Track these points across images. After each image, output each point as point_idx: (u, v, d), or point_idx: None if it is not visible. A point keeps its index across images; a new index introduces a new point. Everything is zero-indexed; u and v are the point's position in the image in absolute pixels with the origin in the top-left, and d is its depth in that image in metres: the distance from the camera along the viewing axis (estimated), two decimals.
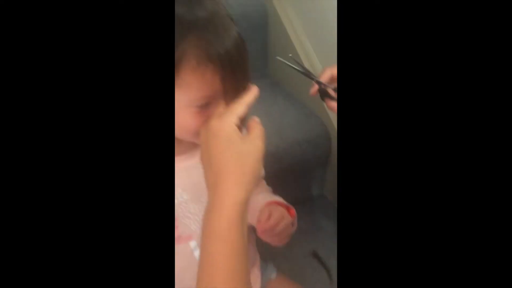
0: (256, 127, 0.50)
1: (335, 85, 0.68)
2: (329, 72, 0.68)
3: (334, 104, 0.69)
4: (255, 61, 1.26)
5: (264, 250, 0.78)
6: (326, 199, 1.20)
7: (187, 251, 0.60)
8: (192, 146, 0.57)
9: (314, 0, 1.04)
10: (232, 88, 0.49)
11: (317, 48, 1.09)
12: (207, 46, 0.47)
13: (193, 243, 0.61)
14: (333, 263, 0.97)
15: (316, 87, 0.69)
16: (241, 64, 0.49)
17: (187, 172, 0.58)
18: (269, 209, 0.61)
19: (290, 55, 0.74)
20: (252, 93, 0.50)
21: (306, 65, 1.10)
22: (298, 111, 1.13)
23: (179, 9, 0.47)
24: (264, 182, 0.74)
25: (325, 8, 1.00)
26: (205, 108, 0.50)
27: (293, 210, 0.64)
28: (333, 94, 0.67)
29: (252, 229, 0.64)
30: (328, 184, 1.19)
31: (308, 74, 0.70)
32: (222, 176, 0.46)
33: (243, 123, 0.50)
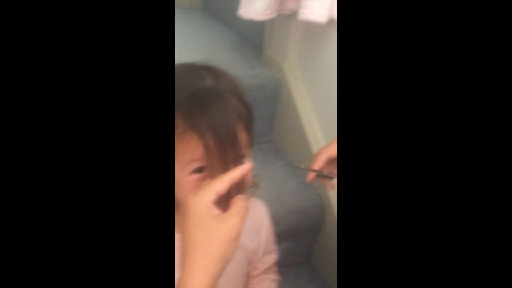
0: (237, 203, 0.48)
1: (332, 168, 0.68)
2: (324, 156, 0.67)
3: (331, 183, 0.71)
4: (262, 128, 1.35)
5: None
6: (312, 267, 1.24)
7: None
8: None
9: (325, 81, 1.14)
10: (218, 161, 0.49)
11: (323, 124, 1.18)
12: (191, 118, 0.48)
13: None
14: None
15: (312, 174, 0.69)
16: (232, 140, 0.49)
17: None
18: None
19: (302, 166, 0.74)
20: (239, 170, 0.48)
21: (309, 137, 1.18)
22: (298, 179, 1.19)
23: (179, 80, 0.49)
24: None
25: (335, 90, 1.10)
26: (201, 174, 0.51)
27: None
28: (330, 175, 0.69)
29: None
30: (315, 252, 1.24)
31: (307, 169, 0.70)
32: (189, 257, 0.44)
33: (225, 200, 0.49)
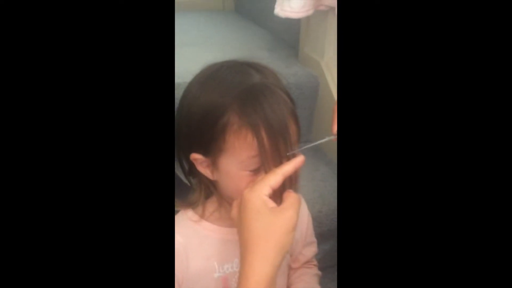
0: (290, 196, 0.49)
1: None
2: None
3: None
4: (301, 127, 1.33)
5: None
6: None
7: None
8: None
9: None
10: (271, 156, 0.49)
11: None
12: (246, 113, 0.48)
13: None
14: None
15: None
16: (284, 134, 0.49)
17: None
18: None
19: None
20: (292, 163, 0.49)
21: None
22: None
23: (228, 77, 0.51)
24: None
25: None
26: (257, 173, 0.51)
27: None
28: None
29: None
30: None
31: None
32: (248, 250, 0.46)
33: (279, 194, 0.50)
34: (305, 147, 0.54)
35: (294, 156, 0.51)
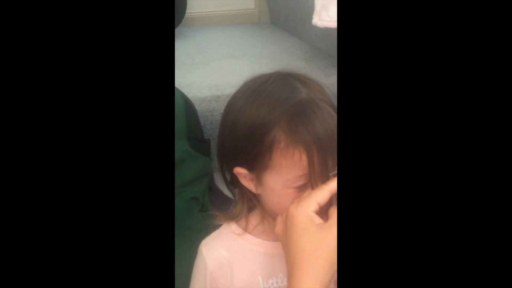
0: (335, 213, 0.48)
1: None
2: None
3: None
4: None
5: None
6: None
7: None
8: None
9: None
10: (319, 173, 0.49)
11: None
12: (295, 131, 0.48)
13: None
14: None
15: None
16: (333, 151, 0.48)
17: None
18: None
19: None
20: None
21: None
22: None
23: (275, 91, 0.50)
24: None
25: None
26: (303, 189, 0.50)
27: None
28: None
29: None
30: None
31: None
32: (297, 267, 0.45)
33: (325, 210, 0.49)
34: None
35: None
